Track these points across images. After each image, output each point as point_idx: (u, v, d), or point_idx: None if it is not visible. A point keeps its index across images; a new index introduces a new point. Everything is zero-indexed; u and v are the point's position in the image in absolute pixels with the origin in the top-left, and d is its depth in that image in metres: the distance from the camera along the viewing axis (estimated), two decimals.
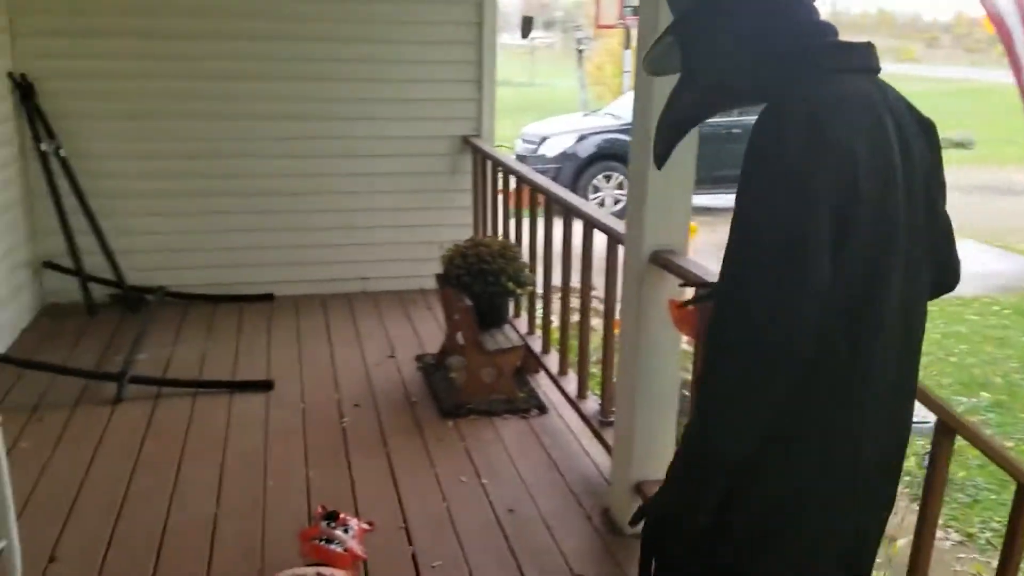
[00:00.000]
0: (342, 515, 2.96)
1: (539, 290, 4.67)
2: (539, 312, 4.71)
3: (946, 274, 1.70)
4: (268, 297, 5.74)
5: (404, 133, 5.80)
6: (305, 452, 3.73)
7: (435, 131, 5.86)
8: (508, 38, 23.57)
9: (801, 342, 1.39)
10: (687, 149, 2.87)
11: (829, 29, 1.53)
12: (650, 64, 1.72)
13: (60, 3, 5.21)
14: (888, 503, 1.67)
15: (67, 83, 5.30)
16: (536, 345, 4.53)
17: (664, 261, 2.92)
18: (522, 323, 4.82)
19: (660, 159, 1.71)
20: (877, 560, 1.73)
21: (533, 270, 4.60)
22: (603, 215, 3.78)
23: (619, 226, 3.38)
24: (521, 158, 10.85)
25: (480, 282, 4.25)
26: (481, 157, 5.59)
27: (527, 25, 7.94)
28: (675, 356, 3.08)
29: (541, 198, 4.58)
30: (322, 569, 2.67)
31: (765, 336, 1.39)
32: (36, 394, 4.21)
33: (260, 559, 2.98)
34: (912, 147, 1.50)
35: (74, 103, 5.33)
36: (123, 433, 3.86)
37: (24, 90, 5.17)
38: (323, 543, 2.81)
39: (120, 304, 5.49)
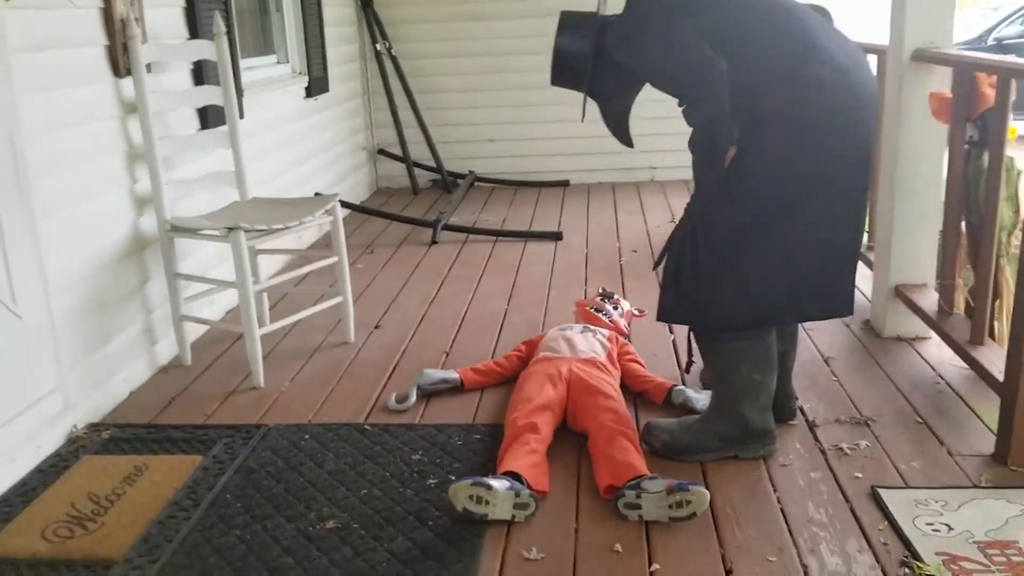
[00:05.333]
0: (617, 296, 3.36)
1: None
2: None
3: None
4: (564, 183, 6.27)
5: None
6: (585, 277, 4.17)
7: None
8: None
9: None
10: None
11: None
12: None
13: None
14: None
15: None
16: None
17: (927, 56, 2.97)
18: None
19: (628, 142, 2.67)
20: None
21: None
22: None
23: None
24: None
25: None
26: None
27: None
28: (937, 157, 3.10)
29: None
30: (589, 326, 3.07)
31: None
32: (370, 238, 5.03)
33: (541, 329, 3.45)
34: None
35: (404, 9, 6.16)
36: (436, 261, 4.53)
37: None
38: (593, 311, 3.22)
39: (438, 187, 6.27)
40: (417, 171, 6.25)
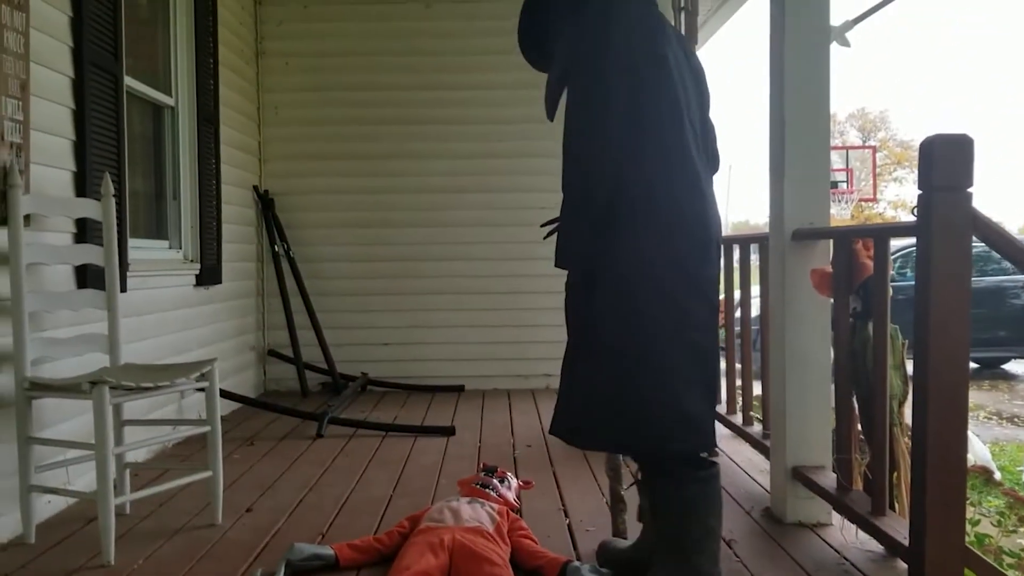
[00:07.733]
0: (501, 469, 3.19)
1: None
2: None
3: None
4: (459, 388, 6.16)
5: None
6: (477, 466, 3.98)
7: None
8: None
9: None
10: (820, 139, 3.13)
11: None
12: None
13: (298, 135, 6.25)
14: None
15: (299, 198, 6.23)
16: None
17: (807, 233, 3.09)
18: None
19: (550, 115, 2.34)
20: None
21: None
22: None
23: None
24: None
25: None
26: None
27: None
28: (824, 332, 3.15)
29: None
30: (477, 499, 2.88)
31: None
32: (251, 432, 4.76)
33: None
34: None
35: (303, 214, 6.23)
36: (319, 453, 4.29)
37: (265, 202, 6.12)
38: (479, 487, 3.03)
39: (329, 390, 6.08)
40: (308, 373, 6.07)
